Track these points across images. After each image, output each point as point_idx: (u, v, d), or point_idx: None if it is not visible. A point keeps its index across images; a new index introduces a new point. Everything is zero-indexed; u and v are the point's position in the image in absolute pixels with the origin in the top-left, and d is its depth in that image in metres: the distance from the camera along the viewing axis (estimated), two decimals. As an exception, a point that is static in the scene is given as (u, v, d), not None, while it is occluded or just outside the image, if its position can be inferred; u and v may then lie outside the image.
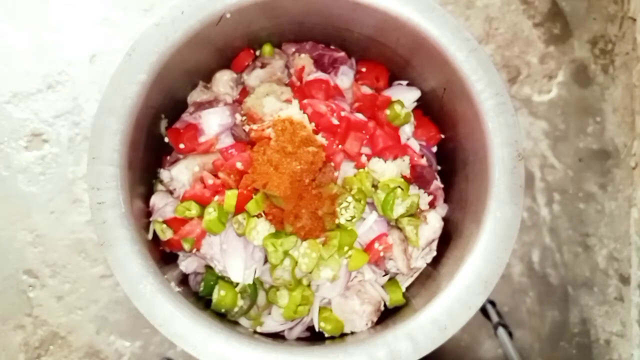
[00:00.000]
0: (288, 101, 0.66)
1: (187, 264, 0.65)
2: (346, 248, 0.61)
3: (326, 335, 0.63)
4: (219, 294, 0.62)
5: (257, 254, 0.62)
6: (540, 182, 0.93)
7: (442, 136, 0.73)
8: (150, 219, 0.63)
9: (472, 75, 0.60)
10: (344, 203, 0.61)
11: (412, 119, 0.71)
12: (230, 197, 0.60)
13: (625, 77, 0.97)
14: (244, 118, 0.67)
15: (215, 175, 0.63)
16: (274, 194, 0.58)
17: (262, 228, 0.60)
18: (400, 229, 0.65)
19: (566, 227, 0.92)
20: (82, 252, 0.87)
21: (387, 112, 0.68)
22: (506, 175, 0.58)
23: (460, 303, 0.55)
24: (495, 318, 0.83)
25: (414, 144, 0.70)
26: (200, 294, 0.64)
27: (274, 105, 0.65)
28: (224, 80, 0.70)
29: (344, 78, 0.71)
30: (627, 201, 0.93)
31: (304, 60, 0.70)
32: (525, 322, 0.89)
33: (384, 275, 0.67)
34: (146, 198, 0.65)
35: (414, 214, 0.66)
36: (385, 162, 0.65)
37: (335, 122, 0.65)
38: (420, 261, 0.68)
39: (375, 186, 0.64)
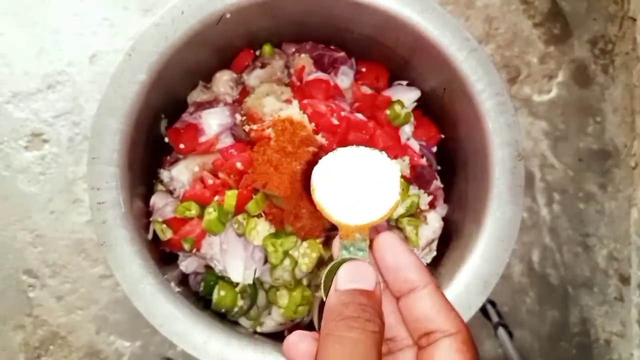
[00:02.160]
0: (288, 101, 0.66)
1: (187, 264, 0.65)
2: (346, 248, 0.61)
3: (326, 335, 0.63)
4: (219, 294, 0.62)
5: (257, 254, 0.62)
6: (540, 182, 0.93)
7: (442, 136, 0.73)
8: (150, 219, 0.63)
9: (472, 75, 0.60)
10: (344, 203, 0.61)
11: (412, 119, 0.71)
12: (230, 197, 0.60)
13: (626, 77, 0.96)
14: (244, 118, 0.67)
15: (215, 175, 0.63)
16: (274, 194, 0.58)
17: (262, 228, 0.60)
18: (400, 229, 0.65)
19: (566, 227, 0.92)
20: (82, 252, 0.87)
21: (387, 112, 0.68)
22: (506, 175, 0.58)
23: (460, 303, 0.55)
24: (495, 318, 0.83)
25: (414, 144, 0.70)
26: (200, 294, 0.64)
27: (274, 105, 0.65)
28: (224, 80, 0.70)
29: (344, 78, 0.71)
30: (627, 201, 0.93)
31: (304, 60, 0.70)
32: (525, 322, 0.89)
33: (384, 275, 0.67)
34: (146, 198, 0.65)
35: (414, 214, 0.66)
36: (385, 162, 0.65)
37: (335, 122, 0.65)
38: (420, 261, 0.68)
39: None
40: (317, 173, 0.33)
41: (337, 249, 0.32)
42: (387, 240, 0.31)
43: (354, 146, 0.34)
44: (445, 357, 0.27)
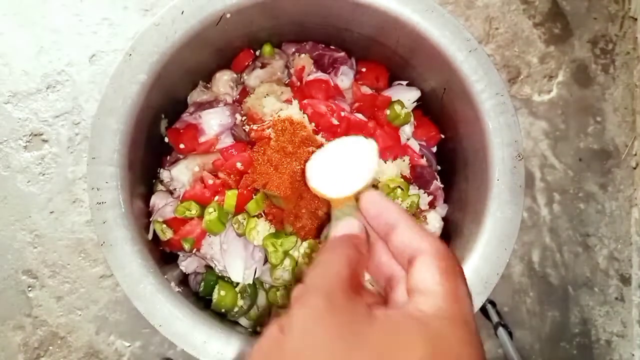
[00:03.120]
0: (288, 101, 0.66)
1: (187, 264, 0.65)
2: (346, 248, 0.61)
3: (326, 335, 0.63)
4: (219, 294, 0.62)
5: (257, 254, 0.62)
6: (540, 182, 0.93)
7: (442, 136, 0.73)
8: (150, 219, 0.63)
9: (472, 75, 0.60)
10: (344, 203, 0.61)
11: (412, 119, 0.71)
12: (230, 197, 0.60)
13: (626, 77, 0.96)
14: (244, 118, 0.67)
15: (215, 175, 0.63)
16: (274, 194, 0.58)
17: (262, 228, 0.60)
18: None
19: (566, 227, 0.92)
20: (82, 252, 0.87)
21: (387, 112, 0.68)
22: (506, 175, 0.58)
23: (460, 303, 0.55)
24: (495, 318, 0.82)
25: (414, 144, 0.70)
26: (200, 294, 0.64)
27: (274, 105, 0.65)
28: (224, 80, 0.70)
29: (344, 78, 0.71)
30: (627, 201, 0.93)
31: (304, 60, 0.70)
32: (525, 322, 0.89)
33: (384, 276, 0.67)
34: (146, 198, 0.65)
35: (414, 214, 0.65)
36: (385, 162, 0.65)
37: (335, 122, 0.65)
38: (421, 261, 0.68)
39: (375, 186, 0.64)
40: (309, 166, 0.43)
41: (333, 217, 0.39)
42: (369, 196, 0.36)
43: (337, 139, 0.42)
44: (423, 271, 0.30)
